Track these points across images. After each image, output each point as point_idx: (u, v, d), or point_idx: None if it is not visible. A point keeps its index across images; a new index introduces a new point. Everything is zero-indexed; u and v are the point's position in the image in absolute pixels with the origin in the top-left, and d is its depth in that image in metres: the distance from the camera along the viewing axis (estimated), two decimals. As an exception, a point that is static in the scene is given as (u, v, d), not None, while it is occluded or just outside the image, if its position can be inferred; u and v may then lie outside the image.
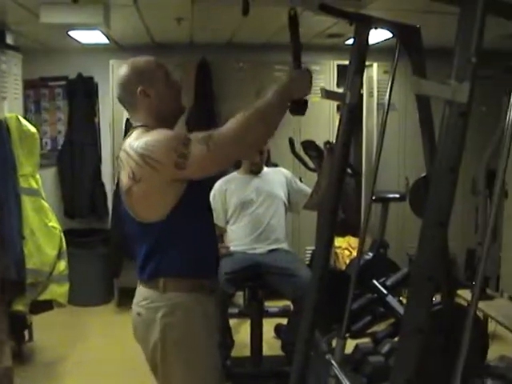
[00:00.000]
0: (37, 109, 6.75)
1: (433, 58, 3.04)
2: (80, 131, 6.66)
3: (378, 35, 4.43)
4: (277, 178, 4.58)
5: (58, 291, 4.67)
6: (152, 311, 2.43)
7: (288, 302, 4.88)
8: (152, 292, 2.44)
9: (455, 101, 1.64)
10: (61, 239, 4.71)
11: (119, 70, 2.59)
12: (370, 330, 4.19)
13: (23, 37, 5.38)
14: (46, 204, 4.68)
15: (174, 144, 2.25)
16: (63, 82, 6.74)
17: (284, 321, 5.05)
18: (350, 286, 2.87)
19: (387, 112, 2.77)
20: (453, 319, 2.76)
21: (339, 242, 6.48)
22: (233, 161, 2.38)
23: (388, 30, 2.86)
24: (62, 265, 4.69)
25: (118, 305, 6.31)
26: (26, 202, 4.50)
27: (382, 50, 4.60)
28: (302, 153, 4.44)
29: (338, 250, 6.47)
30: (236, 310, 5.23)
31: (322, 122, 6.42)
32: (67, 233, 5.00)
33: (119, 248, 5.98)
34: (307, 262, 5.75)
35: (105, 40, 5.72)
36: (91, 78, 6.74)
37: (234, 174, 4.65)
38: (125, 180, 2.37)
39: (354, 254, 6.24)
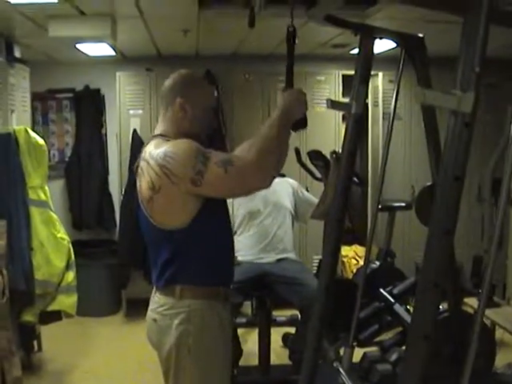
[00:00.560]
0: (44, 121, 6.81)
1: (437, 67, 3.06)
2: (87, 143, 6.71)
3: (382, 45, 4.44)
4: (284, 188, 4.59)
5: (67, 302, 4.69)
6: (168, 318, 2.46)
7: (295, 311, 4.89)
8: (168, 299, 2.47)
9: (460, 111, 1.66)
10: (69, 250, 4.73)
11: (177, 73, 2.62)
12: (377, 339, 4.19)
13: (31, 49, 5.42)
14: (54, 215, 4.70)
15: (192, 160, 2.27)
16: (70, 94, 6.80)
17: (292, 330, 5.06)
18: (357, 294, 2.88)
19: (393, 121, 2.78)
20: (460, 327, 2.77)
21: (346, 250, 6.49)
22: (251, 190, 2.39)
23: (392, 40, 2.88)
24: (71, 276, 4.71)
25: (125, 315, 6.32)
26: (35, 214, 4.53)
27: (387, 60, 4.61)
28: (308, 162, 4.45)
29: (345, 259, 6.47)
30: (244, 320, 5.24)
31: (327, 131, 6.44)
32: (75, 244, 5.01)
33: (127, 259, 6.00)
34: (314, 271, 5.76)
35: (111, 52, 5.76)
36: (98, 90, 6.79)
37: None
38: (145, 189, 2.39)
39: (361, 262, 6.24)
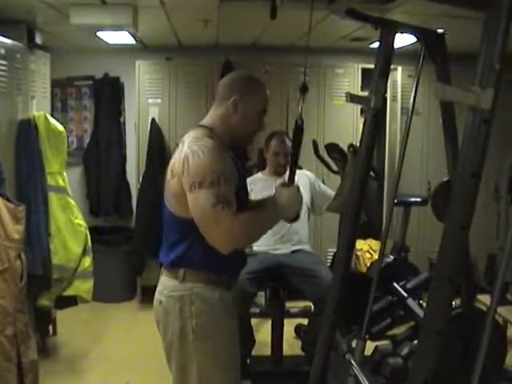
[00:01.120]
0: (63, 108, 6.84)
1: (457, 63, 3.05)
2: (105, 130, 6.74)
3: (402, 39, 4.44)
4: (301, 180, 4.57)
5: (83, 287, 4.73)
6: (172, 299, 2.52)
7: (308, 303, 4.90)
8: (172, 281, 2.54)
9: (479, 107, 1.67)
10: (86, 236, 4.77)
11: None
12: (389, 333, 4.20)
13: (51, 36, 5.45)
14: (72, 201, 4.74)
15: (207, 173, 2.31)
16: (90, 82, 6.83)
17: (304, 321, 5.07)
18: (370, 288, 2.90)
19: (411, 116, 2.79)
20: (472, 323, 2.78)
21: (360, 244, 6.49)
22: (208, 239, 2.40)
23: (412, 34, 2.88)
24: (87, 261, 4.75)
25: (140, 302, 6.37)
26: (53, 200, 4.57)
27: (406, 54, 4.60)
28: (325, 155, 4.46)
29: (359, 253, 6.47)
30: (257, 310, 5.26)
31: (345, 124, 6.44)
32: (91, 230, 5.05)
33: (142, 246, 6.04)
34: (329, 264, 5.77)
35: (132, 41, 5.77)
36: (117, 78, 6.81)
37: (259, 175, 4.69)
38: (169, 167, 2.48)
39: (375, 256, 6.24)
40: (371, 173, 3.41)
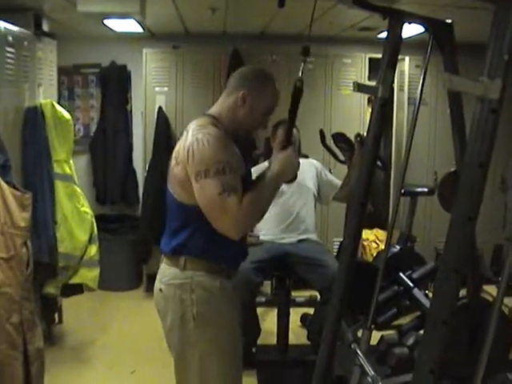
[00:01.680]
0: (70, 95, 6.83)
1: (465, 54, 3.04)
2: (112, 119, 6.73)
3: (410, 29, 4.42)
4: (307, 169, 4.59)
5: (89, 275, 4.74)
6: (172, 287, 2.53)
7: (314, 293, 4.91)
8: (173, 269, 2.54)
9: (487, 97, 1.66)
10: (92, 224, 4.78)
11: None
12: (395, 323, 4.21)
13: (58, 24, 5.44)
14: (78, 189, 4.74)
15: (212, 162, 2.32)
16: (96, 70, 6.81)
17: (310, 311, 5.08)
18: (376, 278, 2.90)
19: (418, 106, 2.78)
20: (478, 314, 2.78)
21: (367, 234, 6.49)
22: (217, 227, 2.38)
23: (421, 24, 2.87)
24: (93, 249, 4.76)
25: (146, 290, 6.38)
26: (60, 188, 4.57)
27: (414, 44, 4.58)
28: (332, 145, 4.45)
29: (366, 243, 6.47)
30: (263, 299, 5.27)
31: (352, 114, 6.41)
32: (98, 218, 5.06)
33: (148, 235, 6.04)
34: (335, 254, 5.77)
35: (139, 29, 5.75)
36: (124, 66, 6.79)
37: (266, 164, 4.69)
38: (173, 154, 2.49)
39: (382, 246, 6.25)
40: (378, 162, 3.40)
